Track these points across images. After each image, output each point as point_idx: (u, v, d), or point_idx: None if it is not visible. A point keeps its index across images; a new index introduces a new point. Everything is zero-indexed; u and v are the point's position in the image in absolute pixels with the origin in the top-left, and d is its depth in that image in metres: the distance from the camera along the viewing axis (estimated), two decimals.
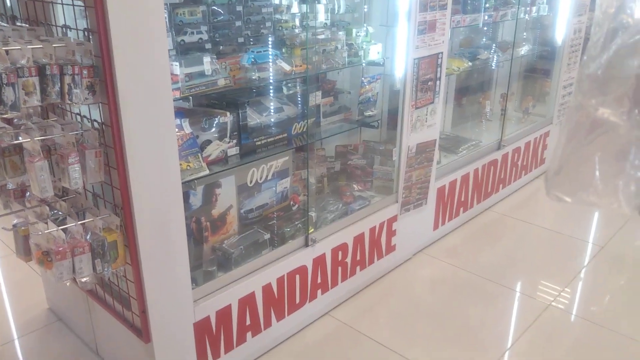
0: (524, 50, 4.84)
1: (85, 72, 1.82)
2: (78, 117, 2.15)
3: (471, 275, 3.59)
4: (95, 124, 2.03)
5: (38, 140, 1.88)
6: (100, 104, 1.95)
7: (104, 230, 2.10)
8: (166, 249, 2.22)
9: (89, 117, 2.08)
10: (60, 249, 1.98)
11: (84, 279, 2.08)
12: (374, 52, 3.17)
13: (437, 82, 3.34)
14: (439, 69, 3.31)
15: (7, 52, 1.72)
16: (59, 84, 1.79)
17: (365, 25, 3.25)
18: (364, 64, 3.29)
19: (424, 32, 3.08)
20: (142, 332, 2.29)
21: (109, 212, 2.14)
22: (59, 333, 3.01)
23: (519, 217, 4.45)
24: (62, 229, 2.01)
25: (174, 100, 2.09)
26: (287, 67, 2.71)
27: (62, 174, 1.96)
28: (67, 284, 2.11)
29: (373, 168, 3.53)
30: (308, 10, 3.03)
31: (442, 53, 3.30)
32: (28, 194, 2.37)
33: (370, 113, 3.33)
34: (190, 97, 2.67)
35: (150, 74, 1.94)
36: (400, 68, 3.15)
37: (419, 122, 3.31)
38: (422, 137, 3.41)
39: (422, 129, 3.37)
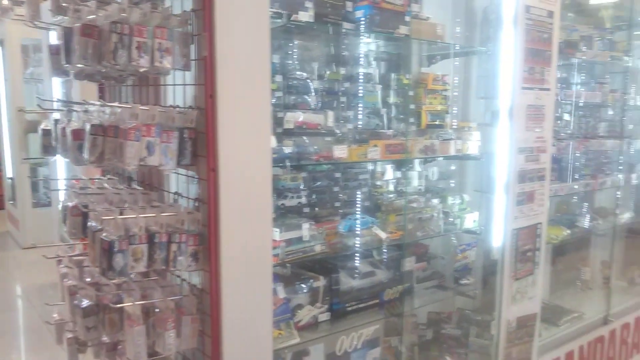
0: (625, 217, 4.61)
1: (191, 240, 1.87)
2: (178, 279, 2.18)
3: None
4: (194, 290, 2.04)
5: (139, 304, 1.90)
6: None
7: None
8: None
9: (188, 280, 2.10)
10: None
11: None
12: (470, 221, 3.12)
13: (536, 253, 3.19)
14: (538, 239, 3.18)
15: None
16: (166, 252, 1.84)
17: (460, 193, 3.23)
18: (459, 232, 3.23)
19: (522, 202, 3.01)
20: None
21: None
22: None
23: None
24: None
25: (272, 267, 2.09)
26: (382, 235, 2.70)
27: (158, 338, 1.95)
28: None
29: (469, 340, 3.30)
30: (402, 177, 3.07)
31: (541, 223, 3.18)
32: (120, 347, 2.36)
33: (466, 282, 3.20)
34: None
35: (252, 241, 1.97)
36: (498, 237, 3.05)
37: (519, 294, 3.12)
38: (522, 310, 3.18)
39: (523, 301, 3.16)
